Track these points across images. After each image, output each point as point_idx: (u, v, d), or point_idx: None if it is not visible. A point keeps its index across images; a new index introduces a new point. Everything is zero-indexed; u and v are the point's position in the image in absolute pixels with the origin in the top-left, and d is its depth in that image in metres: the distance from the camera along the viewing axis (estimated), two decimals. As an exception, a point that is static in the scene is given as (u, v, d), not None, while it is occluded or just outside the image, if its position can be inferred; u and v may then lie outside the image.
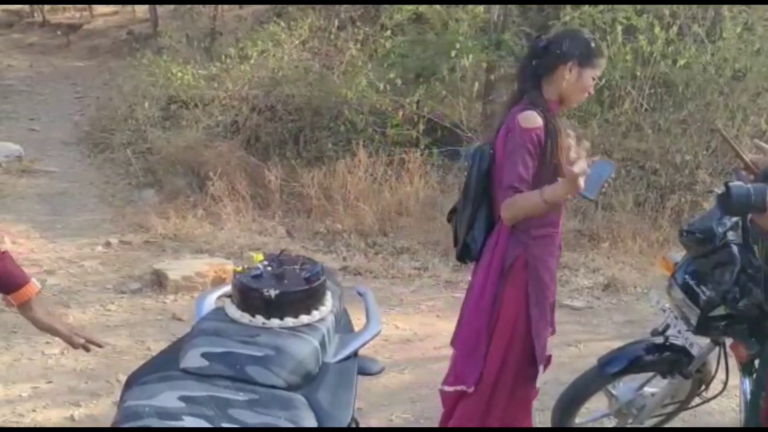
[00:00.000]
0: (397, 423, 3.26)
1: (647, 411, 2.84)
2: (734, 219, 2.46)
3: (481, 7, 7.54)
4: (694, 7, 7.01)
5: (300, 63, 8.32)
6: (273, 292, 1.48)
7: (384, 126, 6.92)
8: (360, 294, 1.84)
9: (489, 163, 2.33)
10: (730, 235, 2.43)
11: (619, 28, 6.64)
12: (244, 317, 1.50)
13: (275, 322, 1.48)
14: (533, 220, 2.25)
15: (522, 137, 2.19)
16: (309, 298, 1.52)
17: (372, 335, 1.63)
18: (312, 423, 1.32)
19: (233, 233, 5.58)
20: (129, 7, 17.33)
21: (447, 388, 2.49)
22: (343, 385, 1.46)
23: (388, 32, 8.04)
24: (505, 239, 2.28)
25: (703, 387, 2.86)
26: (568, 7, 7.02)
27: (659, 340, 2.77)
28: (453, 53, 6.69)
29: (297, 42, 8.49)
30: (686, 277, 2.56)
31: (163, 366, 1.43)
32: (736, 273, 2.37)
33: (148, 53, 8.73)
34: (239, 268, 1.57)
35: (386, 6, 8.73)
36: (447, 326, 4.06)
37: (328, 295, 1.61)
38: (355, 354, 1.58)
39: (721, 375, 2.72)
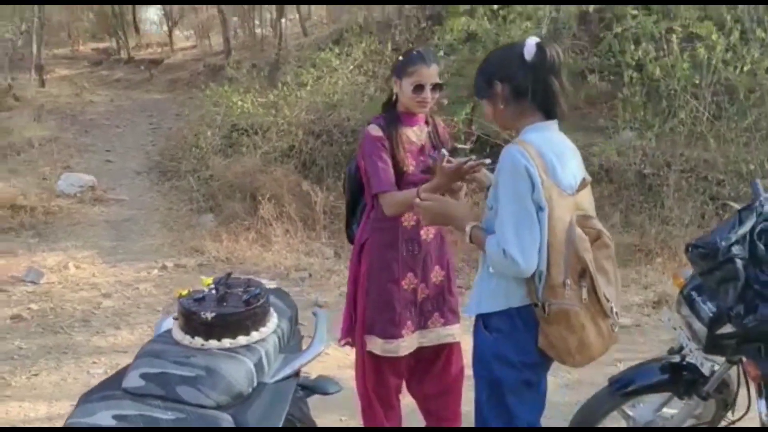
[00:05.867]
0: None
1: (667, 434, 2.71)
2: (741, 232, 2.35)
3: (531, 23, 7.50)
4: (761, 9, 6.70)
5: (355, 87, 8.50)
6: (210, 315, 1.54)
7: (435, 145, 6.94)
8: (314, 314, 1.88)
9: (356, 165, 2.76)
10: (735, 250, 2.31)
11: (675, 37, 6.42)
12: (185, 339, 1.56)
13: (213, 343, 1.54)
14: (374, 211, 2.67)
15: (370, 145, 2.58)
16: (247, 320, 1.57)
17: (314, 355, 1.66)
18: (234, 441, 1.36)
19: (281, 255, 5.73)
20: (206, 40, 18.21)
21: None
22: (276, 404, 1.50)
23: (441, 53, 8.11)
24: (362, 226, 2.73)
25: (729, 408, 2.71)
26: (624, 16, 6.87)
27: (675, 359, 2.65)
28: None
29: (352, 66, 8.68)
30: (693, 293, 2.44)
31: (109, 386, 1.51)
32: (740, 289, 2.25)
33: (212, 84, 9.12)
34: (184, 292, 1.64)
35: (439, 27, 8.82)
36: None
37: (272, 317, 1.65)
38: (296, 373, 1.61)
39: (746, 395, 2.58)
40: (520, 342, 1.95)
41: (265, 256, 5.69)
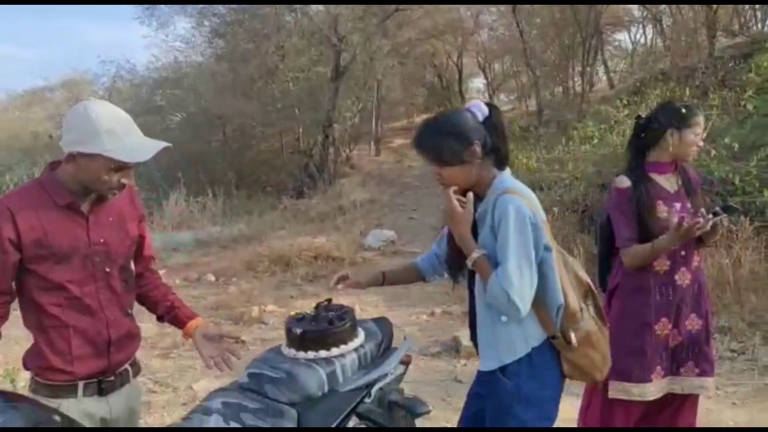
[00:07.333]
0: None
1: None
2: None
3: None
4: None
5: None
6: (298, 330, 1.90)
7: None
8: (404, 338, 2.11)
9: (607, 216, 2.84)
10: None
11: None
12: (285, 349, 1.95)
13: (301, 354, 1.90)
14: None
15: (616, 197, 2.69)
16: (329, 337, 1.89)
17: (379, 374, 1.90)
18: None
19: (540, 307, 5.80)
20: (524, 103, 19.01)
21: None
22: (338, 407, 1.77)
23: (749, 92, 7.45)
24: (614, 272, 2.82)
25: None
26: None
27: None
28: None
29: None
30: None
31: (233, 382, 1.96)
32: None
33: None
34: (293, 313, 2.03)
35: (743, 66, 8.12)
36: (739, 415, 3.69)
37: (357, 338, 1.94)
38: (367, 385, 1.87)
39: None
40: (543, 379, 1.99)
41: (523, 307, 5.82)
